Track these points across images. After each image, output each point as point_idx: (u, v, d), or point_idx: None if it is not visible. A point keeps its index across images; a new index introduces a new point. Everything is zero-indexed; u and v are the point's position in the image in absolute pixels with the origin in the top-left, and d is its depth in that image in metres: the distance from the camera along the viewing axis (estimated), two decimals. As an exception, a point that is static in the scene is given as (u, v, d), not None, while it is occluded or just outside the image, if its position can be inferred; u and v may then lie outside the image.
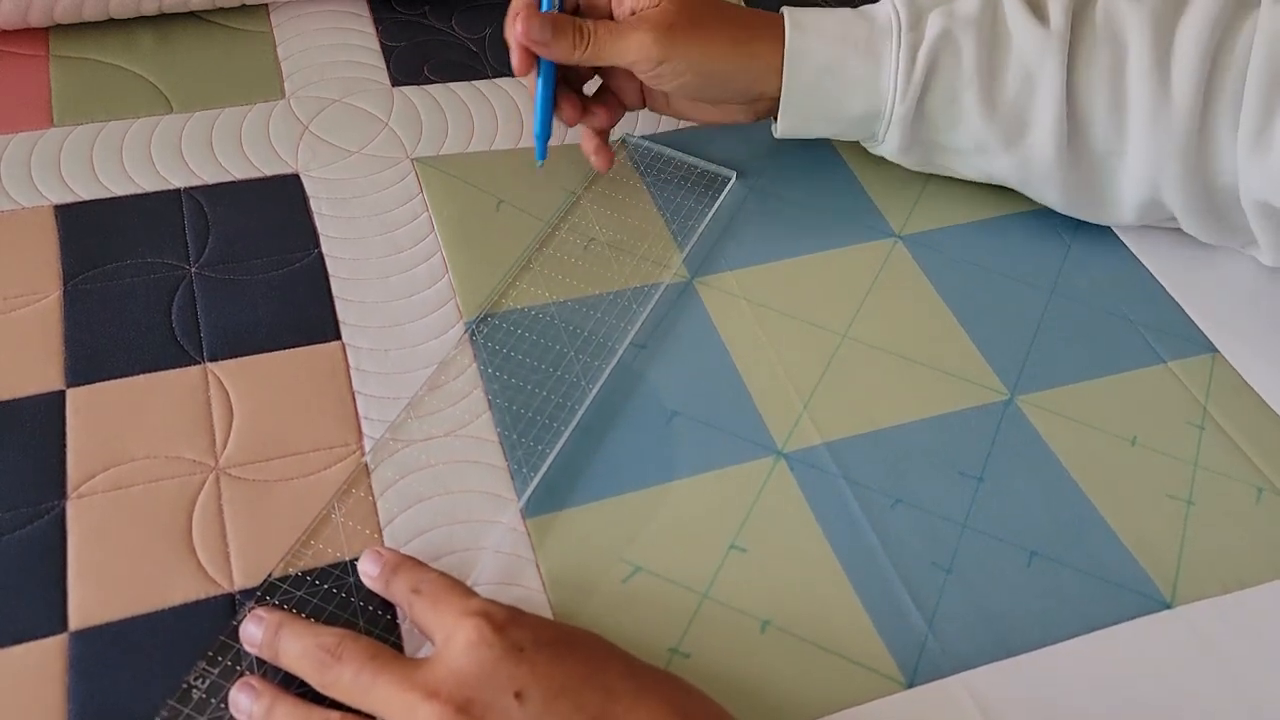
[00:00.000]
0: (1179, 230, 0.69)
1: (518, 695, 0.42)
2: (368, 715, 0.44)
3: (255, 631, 0.47)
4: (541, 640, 0.44)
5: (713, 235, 0.68)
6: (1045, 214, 0.71)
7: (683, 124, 0.74)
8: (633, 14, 0.63)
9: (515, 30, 0.61)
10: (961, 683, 0.50)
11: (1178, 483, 0.58)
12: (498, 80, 0.76)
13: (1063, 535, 0.55)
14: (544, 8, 0.62)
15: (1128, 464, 0.59)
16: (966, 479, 0.57)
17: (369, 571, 0.49)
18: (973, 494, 0.57)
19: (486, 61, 0.77)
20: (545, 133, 0.65)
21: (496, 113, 0.73)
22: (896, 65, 0.63)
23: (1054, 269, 0.68)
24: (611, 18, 0.64)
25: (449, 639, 0.44)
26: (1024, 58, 0.63)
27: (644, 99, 0.69)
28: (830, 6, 0.67)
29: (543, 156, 0.66)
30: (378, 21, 0.79)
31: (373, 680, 0.43)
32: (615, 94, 0.69)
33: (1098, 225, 0.70)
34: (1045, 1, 0.64)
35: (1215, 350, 0.64)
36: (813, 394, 0.60)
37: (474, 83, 0.75)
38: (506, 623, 0.44)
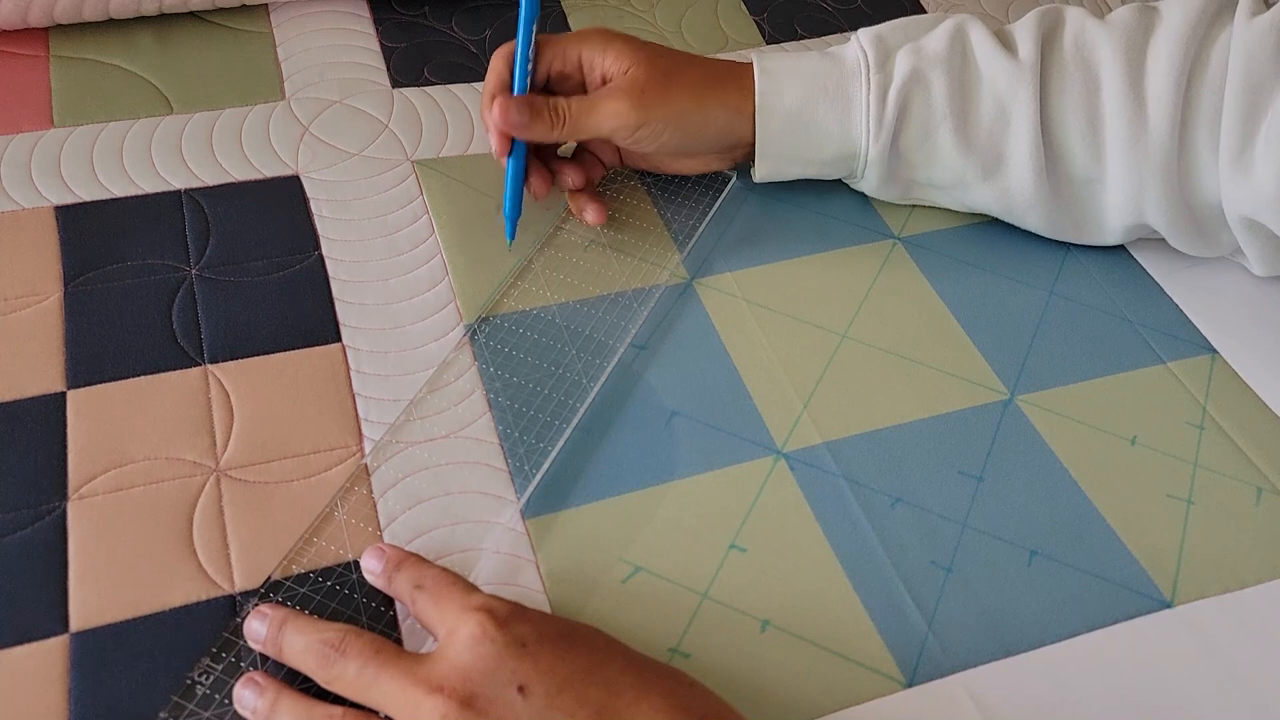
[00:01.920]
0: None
1: (521, 689, 0.42)
2: (371, 711, 0.44)
3: (259, 627, 0.47)
4: (544, 635, 0.44)
5: (713, 236, 0.68)
6: (1045, 214, 0.71)
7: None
8: (604, 82, 0.63)
9: (493, 116, 0.62)
10: (961, 682, 0.50)
11: (1177, 483, 0.58)
12: (498, 81, 0.75)
13: (1063, 535, 0.55)
14: (516, 90, 0.62)
15: (1127, 464, 0.59)
16: (966, 478, 0.57)
17: (372, 568, 0.50)
18: (973, 493, 0.57)
19: (486, 63, 0.76)
20: (515, 214, 0.64)
21: (497, 114, 0.73)
22: (867, 108, 0.63)
23: (1053, 270, 0.68)
24: (583, 90, 0.65)
25: (452, 634, 0.44)
26: (996, 91, 0.63)
27: (620, 158, 0.70)
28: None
29: (512, 237, 0.65)
30: (378, 22, 0.79)
31: (377, 675, 0.43)
32: (592, 154, 0.69)
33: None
34: (1013, 33, 0.64)
35: (1214, 351, 0.64)
36: (812, 394, 0.60)
37: (474, 85, 0.75)
38: (509, 618, 0.44)
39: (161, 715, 0.46)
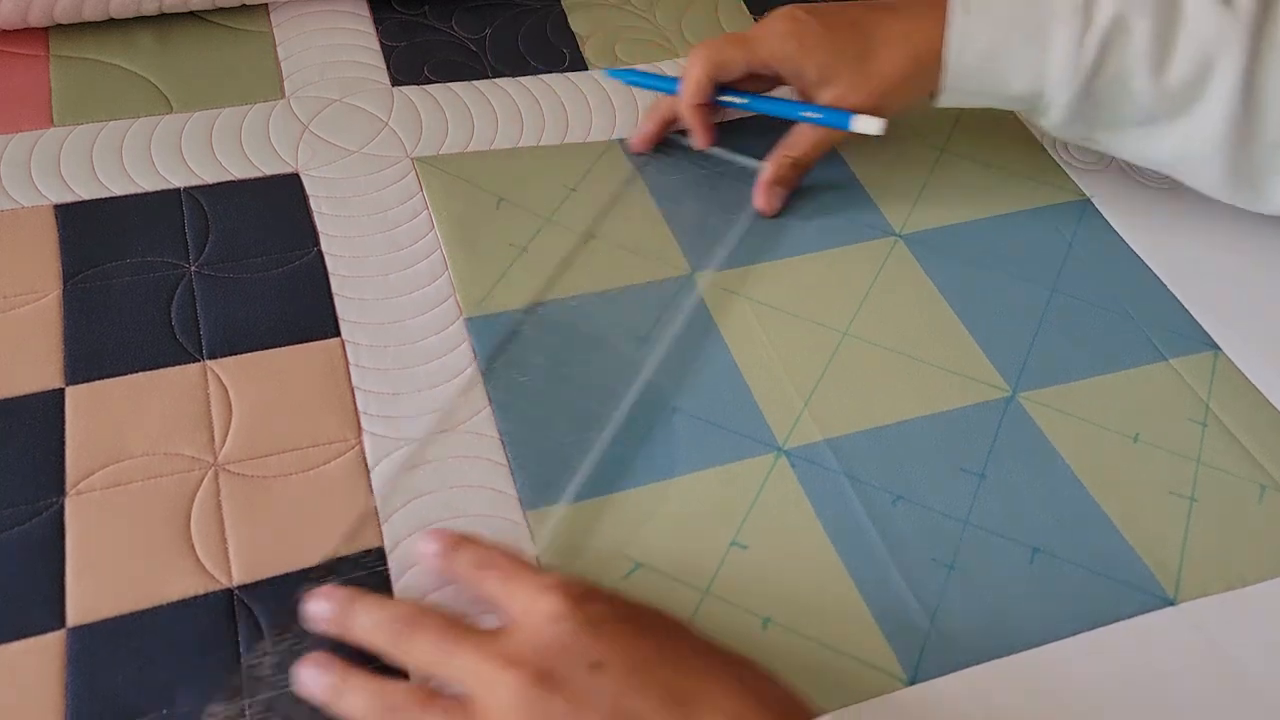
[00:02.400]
0: (1180, 227, 0.69)
1: (596, 667, 0.42)
2: (431, 692, 0.44)
3: (323, 607, 0.47)
4: (619, 615, 0.44)
5: (714, 232, 0.67)
6: (1045, 212, 0.71)
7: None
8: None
9: (756, 200, 0.69)
10: (963, 680, 0.50)
11: (1180, 480, 0.58)
12: (498, 80, 0.76)
13: (1065, 532, 0.55)
14: (723, 98, 0.69)
15: (1130, 461, 0.59)
16: (968, 476, 0.57)
17: (428, 549, 0.49)
18: (974, 491, 0.56)
19: (486, 61, 0.77)
20: (639, 79, 0.73)
21: (496, 113, 0.73)
22: (1065, 50, 0.63)
23: (1055, 266, 0.68)
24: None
25: (527, 612, 0.44)
26: (1201, 39, 0.62)
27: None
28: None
29: (616, 73, 0.74)
30: (378, 21, 0.79)
31: (452, 649, 0.43)
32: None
33: (1097, 223, 0.71)
34: None
35: (1217, 347, 0.64)
36: (814, 391, 0.60)
37: (474, 83, 0.75)
38: (584, 597, 0.44)
39: (212, 708, 0.46)
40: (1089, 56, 0.62)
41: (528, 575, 0.46)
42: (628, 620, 0.44)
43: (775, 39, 0.66)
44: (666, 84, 0.71)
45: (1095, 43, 0.62)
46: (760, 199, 0.69)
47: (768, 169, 0.69)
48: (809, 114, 0.67)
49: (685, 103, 0.68)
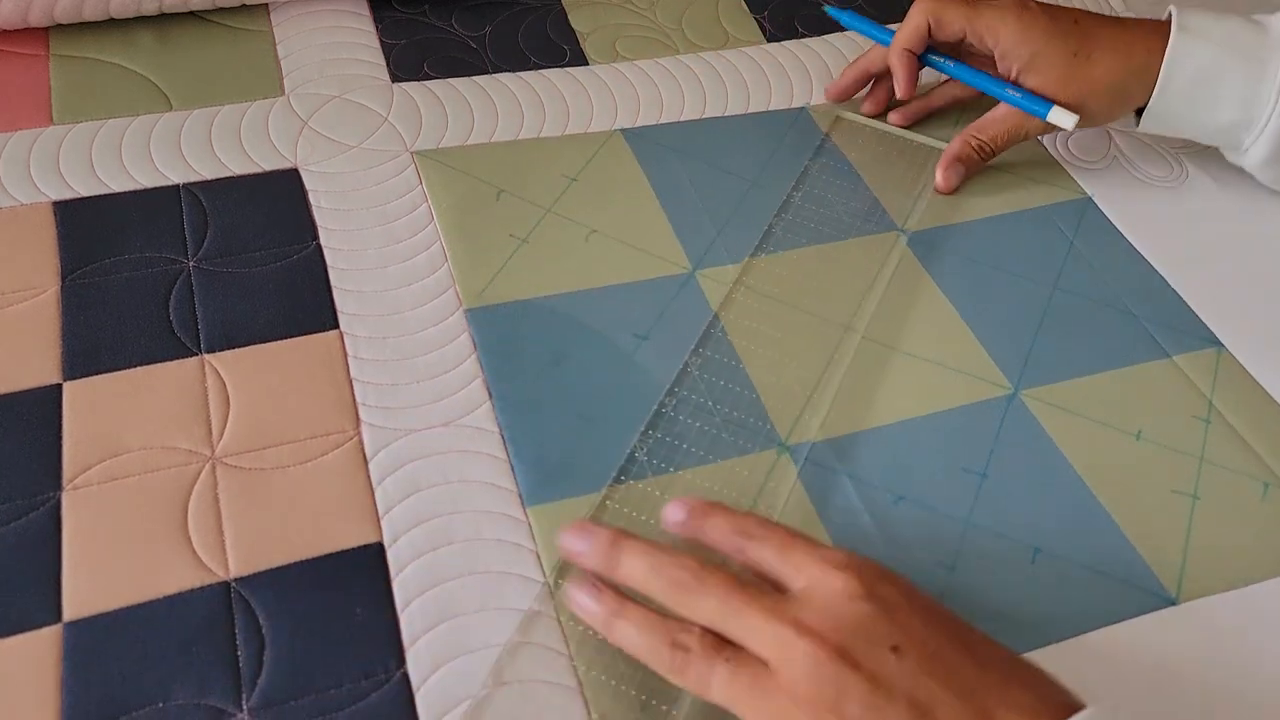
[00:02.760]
0: (1182, 225, 0.69)
1: (895, 649, 0.41)
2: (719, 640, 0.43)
3: (583, 543, 0.47)
4: (913, 602, 0.44)
5: (714, 227, 0.67)
6: (1048, 210, 0.71)
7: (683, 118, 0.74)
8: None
9: (937, 176, 0.71)
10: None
11: (1183, 478, 0.58)
12: (498, 75, 0.76)
13: (1067, 531, 0.55)
14: (930, 56, 0.72)
15: (1133, 459, 0.58)
16: (970, 475, 0.57)
17: (674, 517, 0.49)
18: (976, 490, 0.56)
19: (487, 58, 0.77)
20: (854, 23, 0.76)
21: (497, 107, 0.73)
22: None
23: (1057, 264, 0.68)
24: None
25: (816, 586, 0.43)
26: None
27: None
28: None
29: (834, 12, 0.77)
30: (378, 20, 0.79)
31: (741, 609, 0.43)
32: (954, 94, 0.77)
33: (1099, 221, 0.71)
34: None
35: (1220, 344, 0.64)
36: (816, 389, 0.60)
37: (475, 78, 0.75)
38: (877, 579, 0.44)
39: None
40: None
41: (811, 547, 0.45)
42: (921, 609, 0.44)
43: (998, 14, 0.68)
44: (879, 32, 0.73)
45: None
46: (940, 175, 0.71)
47: (954, 144, 0.71)
48: (1011, 93, 0.69)
49: (897, 47, 0.71)
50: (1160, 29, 0.67)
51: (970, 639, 0.44)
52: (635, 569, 0.45)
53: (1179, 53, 0.65)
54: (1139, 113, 0.69)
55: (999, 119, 0.71)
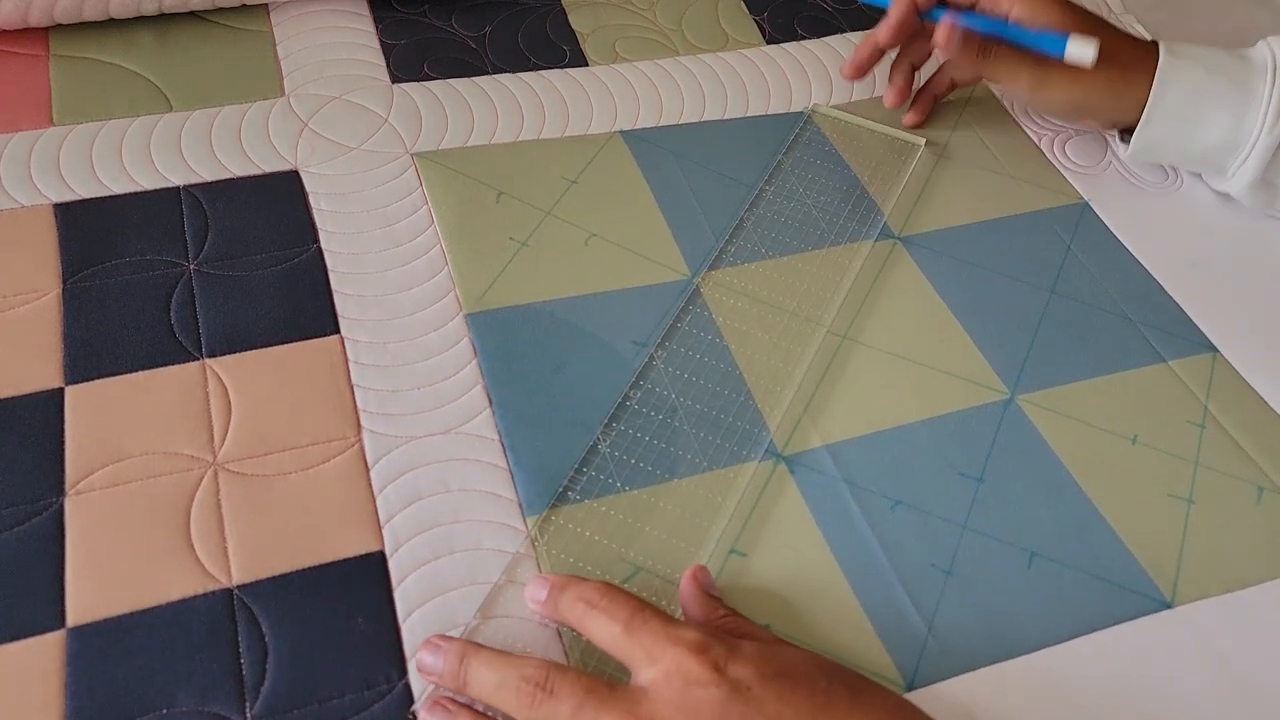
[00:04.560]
0: (1178, 231, 0.70)
1: None
2: None
3: (434, 661, 0.46)
4: (766, 675, 0.43)
5: (714, 233, 0.67)
6: (1045, 215, 0.71)
7: (679, 119, 0.74)
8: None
9: (937, 36, 0.69)
10: (961, 685, 0.50)
11: (1178, 482, 0.58)
12: (498, 76, 0.76)
13: (1063, 535, 0.55)
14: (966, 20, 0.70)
15: (1128, 463, 0.59)
16: (966, 479, 0.57)
17: (536, 597, 0.49)
18: (973, 495, 0.56)
19: (487, 59, 0.77)
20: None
21: (497, 108, 0.73)
22: (1269, 101, 0.65)
23: (1054, 269, 0.68)
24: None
25: (667, 677, 0.43)
26: None
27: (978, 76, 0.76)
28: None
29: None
30: (378, 20, 0.79)
31: (596, 713, 0.42)
32: (953, 73, 0.77)
33: (1095, 226, 0.71)
34: None
35: (1216, 349, 0.64)
36: (813, 396, 0.60)
37: (474, 79, 0.75)
38: (728, 658, 0.43)
39: None
40: None
41: (659, 625, 0.45)
42: (776, 679, 0.43)
43: None
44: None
45: None
46: (909, 118, 0.76)
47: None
48: (1025, 29, 0.69)
49: None
50: (1148, 50, 0.68)
51: (834, 704, 0.43)
52: (484, 685, 0.45)
53: (1169, 75, 0.66)
54: (1124, 141, 0.71)
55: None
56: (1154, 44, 0.68)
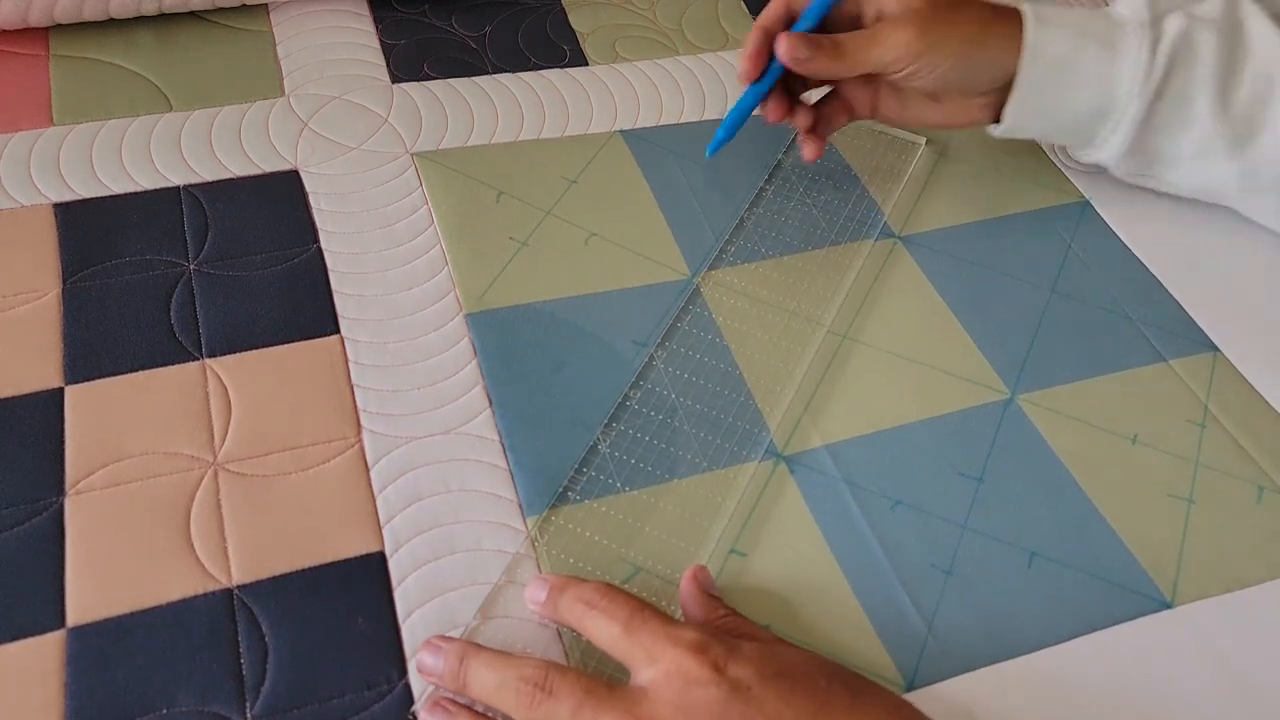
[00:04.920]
0: (1179, 229, 0.69)
1: None
2: None
3: (434, 661, 0.46)
4: (765, 675, 0.43)
5: (713, 233, 0.67)
6: (1044, 214, 0.71)
7: (680, 119, 0.74)
8: (879, 18, 0.64)
9: (778, 48, 0.63)
10: (961, 685, 0.50)
11: (1179, 481, 0.58)
12: (498, 76, 0.76)
13: (1063, 535, 0.55)
14: (798, 27, 0.64)
15: (1128, 463, 0.59)
16: (966, 479, 0.57)
17: (537, 597, 0.49)
18: (973, 494, 0.56)
19: (487, 58, 0.77)
20: (728, 136, 0.67)
21: (497, 108, 0.73)
22: (1135, 60, 0.63)
23: (1054, 268, 0.68)
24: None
25: (666, 677, 0.43)
26: (1265, 61, 0.63)
27: (874, 108, 0.69)
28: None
29: (712, 152, 0.67)
30: (378, 20, 0.79)
31: (595, 713, 0.42)
32: (846, 102, 0.69)
33: (1096, 225, 0.71)
34: None
35: (1216, 349, 0.64)
36: (813, 396, 0.60)
37: (475, 79, 0.75)
38: (727, 658, 0.43)
39: None
40: (1158, 70, 0.63)
41: (659, 625, 0.45)
42: (776, 679, 0.43)
43: None
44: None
45: (1164, 56, 0.63)
46: (807, 153, 0.68)
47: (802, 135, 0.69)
48: None
49: (755, 24, 0.66)
50: (1015, 16, 0.64)
51: (833, 703, 0.43)
52: (484, 686, 0.45)
53: (1038, 39, 0.63)
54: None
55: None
56: (1018, 11, 0.65)
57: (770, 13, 0.65)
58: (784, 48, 0.63)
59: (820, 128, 0.69)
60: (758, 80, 0.65)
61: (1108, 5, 0.68)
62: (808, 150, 0.68)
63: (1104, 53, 0.63)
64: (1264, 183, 0.65)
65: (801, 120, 0.68)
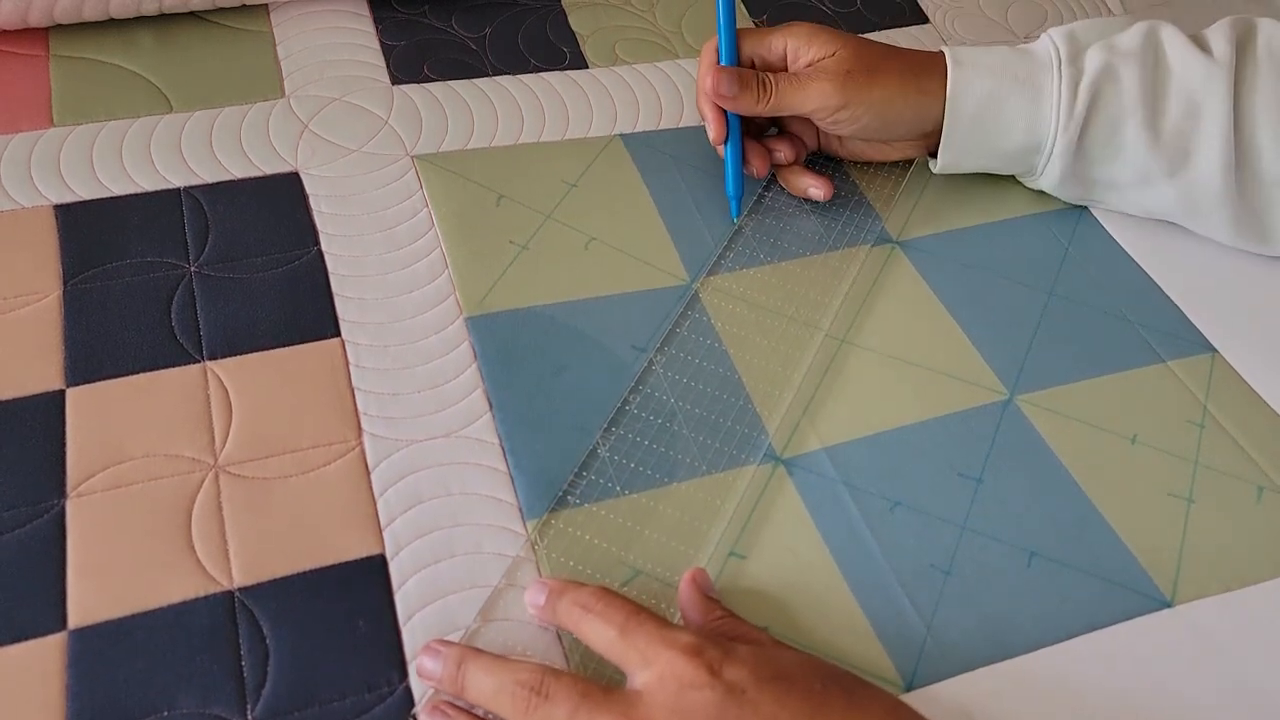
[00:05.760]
0: (1175, 231, 0.70)
1: None
2: None
3: (433, 665, 0.47)
4: (761, 678, 0.43)
5: (711, 238, 0.68)
6: (1042, 217, 0.71)
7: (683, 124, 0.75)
8: (809, 66, 0.66)
9: (705, 85, 0.66)
10: (960, 685, 0.50)
11: (1178, 481, 0.58)
12: (498, 78, 0.76)
13: (1062, 535, 0.55)
14: (724, 62, 0.67)
15: (1128, 463, 0.59)
16: (966, 480, 0.57)
17: (536, 601, 0.49)
18: (972, 495, 0.57)
19: (487, 60, 0.77)
20: (739, 192, 0.69)
21: (497, 110, 0.73)
22: (1059, 98, 0.65)
23: (1052, 271, 0.68)
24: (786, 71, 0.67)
25: (661, 679, 0.43)
26: (1188, 87, 0.64)
27: (818, 141, 0.73)
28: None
29: (738, 214, 0.69)
30: (378, 21, 0.79)
31: (591, 717, 0.43)
32: (794, 134, 0.72)
33: (1094, 228, 0.71)
34: (1206, 36, 0.66)
35: (1214, 349, 0.64)
36: (812, 399, 0.60)
37: (474, 80, 0.75)
38: (722, 661, 0.43)
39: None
40: (1080, 106, 0.64)
41: (655, 628, 0.45)
42: (773, 682, 0.43)
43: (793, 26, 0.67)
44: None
45: (1086, 92, 0.64)
46: (817, 193, 0.69)
47: (790, 182, 0.71)
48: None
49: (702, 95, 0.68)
50: (942, 62, 0.66)
51: (829, 706, 0.43)
52: (482, 690, 0.45)
53: (959, 88, 0.65)
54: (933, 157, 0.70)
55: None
56: (942, 54, 0.67)
57: (703, 72, 0.67)
58: (709, 83, 0.65)
59: (797, 159, 0.71)
60: (727, 139, 0.68)
61: (1025, 42, 0.70)
62: (816, 190, 0.69)
63: (1026, 92, 0.65)
64: (1204, 204, 0.66)
65: (784, 152, 0.70)
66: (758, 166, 0.69)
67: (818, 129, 0.71)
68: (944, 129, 0.66)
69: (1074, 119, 0.64)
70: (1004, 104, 0.65)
